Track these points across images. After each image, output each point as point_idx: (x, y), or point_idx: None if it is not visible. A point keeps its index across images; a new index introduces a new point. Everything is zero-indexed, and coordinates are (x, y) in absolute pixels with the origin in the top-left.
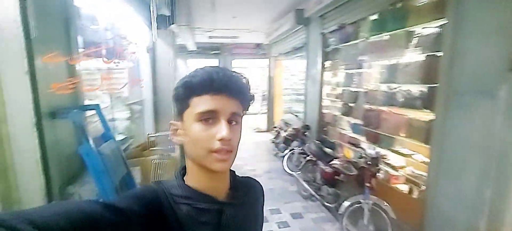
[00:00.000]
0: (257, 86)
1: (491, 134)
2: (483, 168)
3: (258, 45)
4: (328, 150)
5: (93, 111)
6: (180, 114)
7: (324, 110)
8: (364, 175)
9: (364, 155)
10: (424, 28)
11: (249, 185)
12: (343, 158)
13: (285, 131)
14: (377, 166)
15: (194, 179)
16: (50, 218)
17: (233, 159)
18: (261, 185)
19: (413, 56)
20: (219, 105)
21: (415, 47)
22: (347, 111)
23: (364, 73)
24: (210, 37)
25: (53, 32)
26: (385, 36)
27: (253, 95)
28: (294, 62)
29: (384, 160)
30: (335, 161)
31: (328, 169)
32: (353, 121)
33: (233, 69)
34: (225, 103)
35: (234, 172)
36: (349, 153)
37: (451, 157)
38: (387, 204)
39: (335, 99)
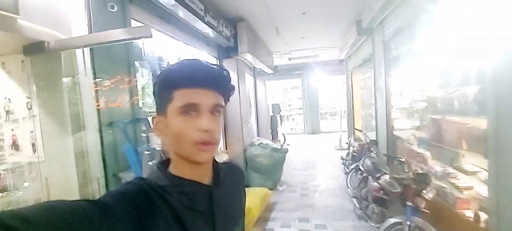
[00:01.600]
0: (340, 103)
1: None
2: None
3: (340, 62)
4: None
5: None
6: (162, 108)
7: (394, 124)
8: (407, 193)
9: (408, 171)
10: None
11: (229, 168)
12: (391, 174)
13: (354, 147)
14: (425, 183)
15: (178, 169)
16: (43, 215)
17: (216, 148)
18: (239, 167)
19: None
20: (201, 98)
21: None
22: (413, 124)
23: (424, 77)
24: (290, 58)
25: (116, 67)
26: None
27: (233, 86)
28: (366, 75)
29: (451, 178)
30: (383, 177)
31: (375, 186)
32: (418, 134)
33: (210, 62)
34: (206, 96)
35: (214, 158)
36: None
37: None
38: (432, 228)
39: (402, 111)
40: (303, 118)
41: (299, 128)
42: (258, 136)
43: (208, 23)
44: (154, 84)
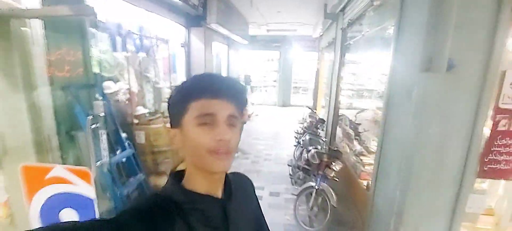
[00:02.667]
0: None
1: (406, 134)
2: (399, 166)
3: (315, 39)
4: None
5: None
6: (178, 120)
7: (340, 107)
8: (321, 165)
9: (327, 148)
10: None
11: (238, 179)
12: (316, 149)
13: (306, 123)
14: (336, 157)
15: (193, 182)
16: None
17: (232, 159)
18: (247, 177)
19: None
20: (217, 109)
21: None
22: (349, 107)
23: (362, 69)
24: (268, 30)
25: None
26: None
27: (247, 99)
28: (331, 57)
29: (362, 156)
30: (311, 151)
31: (304, 157)
32: (350, 116)
33: (227, 75)
34: (222, 107)
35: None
36: (346, 148)
37: (385, 156)
38: (333, 192)
39: (346, 96)
40: (276, 90)
41: (272, 100)
42: None
43: None
44: (168, 100)
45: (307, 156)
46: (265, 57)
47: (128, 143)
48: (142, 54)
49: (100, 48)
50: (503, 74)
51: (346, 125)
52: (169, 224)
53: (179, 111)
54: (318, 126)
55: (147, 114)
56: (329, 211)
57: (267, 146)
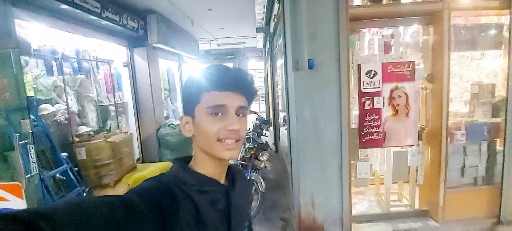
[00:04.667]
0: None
1: (293, 121)
2: (290, 146)
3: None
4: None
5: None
6: (191, 108)
7: (277, 108)
8: (251, 158)
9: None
10: None
11: (237, 171)
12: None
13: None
14: (262, 149)
15: (200, 166)
16: (64, 212)
17: (241, 147)
18: (242, 170)
19: None
20: (228, 100)
21: None
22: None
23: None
24: (219, 44)
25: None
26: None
27: (257, 90)
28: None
29: None
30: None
31: (241, 154)
32: (282, 116)
33: (238, 68)
34: (233, 99)
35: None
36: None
37: (292, 141)
38: (262, 180)
39: (279, 98)
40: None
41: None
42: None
43: (107, 19)
44: (185, 87)
45: (242, 153)
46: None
47: (65, 159)
48: (81, 76)
49: (34, 74)
50: (359, 67)
51: (281, 125)
52: (174, 203)
53: (192, 100)
54: (262, 126)
55: (91, 132)
56: (259, 197)
57: None
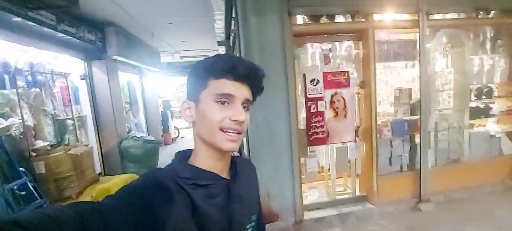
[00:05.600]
0: None
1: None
2: (248, 147)
3: None
4: None
5: None
6: (194, 94)
7: None
8: None
9: None
10: None
11: (243, 162)
12: None
13: None
14: None
15: (200, 160)
16: (36, 220)
17: (241, 140)
18: (250, 161)
19: None
20: (237, 91)
21: None
22: None
23: None
24: (182, 57)
25: None
26: None
27: (263, 87)
28: None
29: None
30: None
31: None
32: None
33: (251, 61)
34: (242, 90)
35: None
36: None
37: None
38: None
39: None
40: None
41: None
42: (148, 130)
43: (63, 31)
44: (192, 69)
45: None
46: (185, 83)
47: (24, 172)
48: (35, 90)
49: None
50: (304, 76)
51: None
52: (167, 196)
53: (198, 85)
54: None
55: (49, 147)
56: None
57: None
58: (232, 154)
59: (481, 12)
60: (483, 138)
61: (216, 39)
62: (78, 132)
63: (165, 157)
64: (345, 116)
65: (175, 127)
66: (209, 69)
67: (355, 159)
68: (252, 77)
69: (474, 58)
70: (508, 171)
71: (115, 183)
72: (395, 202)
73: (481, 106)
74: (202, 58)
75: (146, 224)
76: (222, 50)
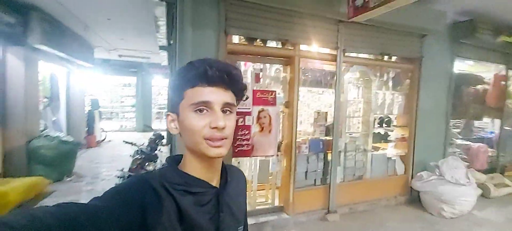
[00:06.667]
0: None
1: None
2: None
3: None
4: None
5: None
6: (175, 105)
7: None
8: (136, 167)
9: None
10: None
11: (233, 171)
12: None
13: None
14: (149, 160)
15: (189, 167)
16: (26, 221)
17: (229, 145)
18: (241, 170)
19: None
20: (213, 97)
21: None
22: None
23: None
24: (120, 55)
25: None
26: None
27: (245, 85)
28: None
29: None
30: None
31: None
32: None
33: (225, 61)
34: (218, 95)
35: (222, 162)
36: None
37: None
38: None
39: None
40: (135, 115)
41: (131, 125)
42: (68, 130)
43: None
44: (169, 82)
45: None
46: (121, 82)
47: None
48: None
49: None
50: None
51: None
52: (158, 201)
53: (176, 97)
54: (157, 141)
55: None
56: None
57: (111, 167)
58: (224, 162)
59: (386, 56)
60: (382, 159)
61: (157, 43)
62: None
63: (84, 162)
64: (269, 132)
65: (102, 129)
66: (183, 79)
67: (276, 172)
68: (226, 79)
69: (379, 92)
70: (400, 188)
71: (13, 187)
72: (307, 212)
73: (382, 133)
74: (180, 67)
75: (134, 226)
76: (163, 54)
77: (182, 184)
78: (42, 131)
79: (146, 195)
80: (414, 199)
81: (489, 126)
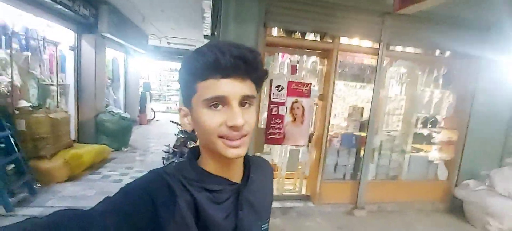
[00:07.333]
0: None
1: None
2: None
3: None
4: None
5: None
6: (187, 100)
7: None
8: (180, 145)
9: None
10: None
11: (258, 162)
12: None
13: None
14: (191, 139)
15: (207, 163)
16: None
17: (249, 143)
18: (268, 162)
19: None
20: (228, 90)
21: None
22: None
23: None
24: (169, 43)
25: None
26: None
27: (266, 71)
28: None
29: None
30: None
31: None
32: None
33: (239, 43)
34: (235, 87)
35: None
36: None
37: None
38: None
39: None
40: (180, 98)
41: (176, 107)
42: (125, 108)
43: (60, 3)
44: (178, 74)
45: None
46: (169, 68)
47: (7, 126)
48: (27, 53)
49: None
50: (271, 81)
51: None
52: (171, 197)
53: (187, 91)
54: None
55: (30, 108)
56: None
57: (158, 142)
58: (252, 151)
59: (437, 51)
60: (422, 161)
61: (203, 33)
62: (59, 98)
63: (137, 136)
64: (302, 123)
65: (152, 109)
66: (193, 71)
67: (305, 162)
68: (243, 67)
69: (426, 90)
70: (439, 194)
71: (87, 150)
72: (334, 204)
73: (425, 133)
74: (187, 56)
75: (146, 224)
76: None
77: (198, 180)
78: (106, 107)
79: (159, 192)
80: (456, 208)
81: None
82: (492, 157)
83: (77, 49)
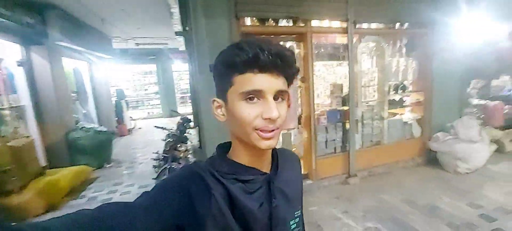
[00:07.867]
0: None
1: (204, 115)
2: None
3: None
4: None
5: None
6: (222, 92)
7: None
8: (170, 149)
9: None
10: None
11: (286, 154)
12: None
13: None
14: (181, 142)
15: (238, 155)
16: (62, 226)
17: (279, 135)
18: (294, 153)
19: None
20: (265, 84)
21: None
22: None
23: None
24: (137, 44)
25: None
26: None
27: (298, 69)
28: None
29: None
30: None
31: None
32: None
33: (276, 42)
34: (270, 82)
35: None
36: None
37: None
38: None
39: None
40: (160, 102)
41: (157, 112)
42: (99, 121)
43: None
44: (214, 67)
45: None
46: (142, 71)
47: None
48: None
49: None
50: None
51: None
52: (205, 189)
53: (223, 83)
54: (185, 124)
55: None
56: None
57: (146, 152)
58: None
59: (398, 24)
60: (398, 124)
61: (173, 29)
62: (16, 123)
63: (120, 149)
64: (289, 106)
65: (130, 117)
66: (231, 65)
67: (298, 143)
68: (279, 64)
69: (393, 60)
70: (417, 150)
71: (62, 175)
72: (329, 178)
73: (397, 99)
74: (224, 50)
75: (185, 218)
76: (180, 40)
77: (231, 172)
78: (76, 123)
79: (194, 186)
80: (432, 160)
81: (508, 84)
82: (454, 110)
83: (26, 64)
